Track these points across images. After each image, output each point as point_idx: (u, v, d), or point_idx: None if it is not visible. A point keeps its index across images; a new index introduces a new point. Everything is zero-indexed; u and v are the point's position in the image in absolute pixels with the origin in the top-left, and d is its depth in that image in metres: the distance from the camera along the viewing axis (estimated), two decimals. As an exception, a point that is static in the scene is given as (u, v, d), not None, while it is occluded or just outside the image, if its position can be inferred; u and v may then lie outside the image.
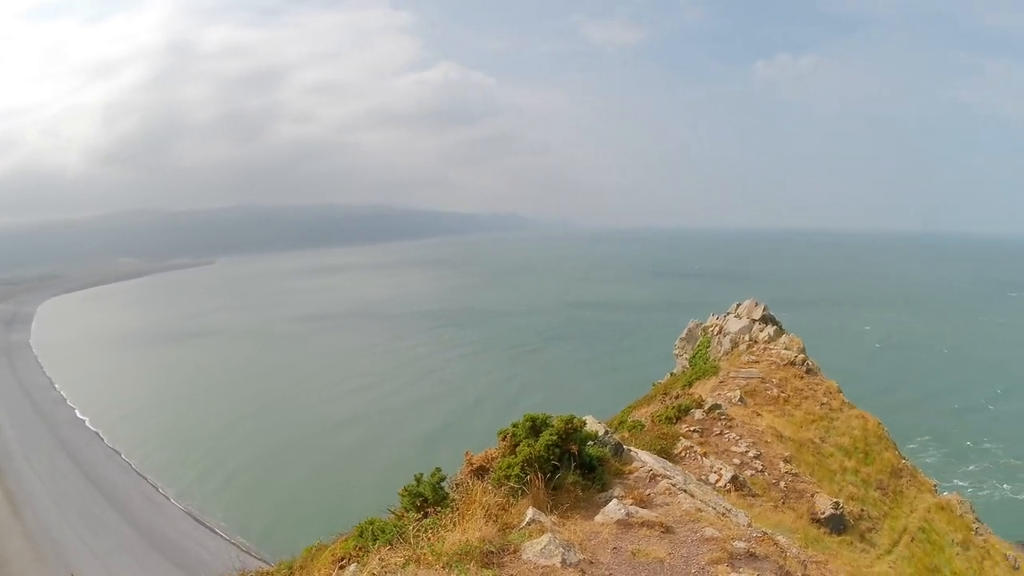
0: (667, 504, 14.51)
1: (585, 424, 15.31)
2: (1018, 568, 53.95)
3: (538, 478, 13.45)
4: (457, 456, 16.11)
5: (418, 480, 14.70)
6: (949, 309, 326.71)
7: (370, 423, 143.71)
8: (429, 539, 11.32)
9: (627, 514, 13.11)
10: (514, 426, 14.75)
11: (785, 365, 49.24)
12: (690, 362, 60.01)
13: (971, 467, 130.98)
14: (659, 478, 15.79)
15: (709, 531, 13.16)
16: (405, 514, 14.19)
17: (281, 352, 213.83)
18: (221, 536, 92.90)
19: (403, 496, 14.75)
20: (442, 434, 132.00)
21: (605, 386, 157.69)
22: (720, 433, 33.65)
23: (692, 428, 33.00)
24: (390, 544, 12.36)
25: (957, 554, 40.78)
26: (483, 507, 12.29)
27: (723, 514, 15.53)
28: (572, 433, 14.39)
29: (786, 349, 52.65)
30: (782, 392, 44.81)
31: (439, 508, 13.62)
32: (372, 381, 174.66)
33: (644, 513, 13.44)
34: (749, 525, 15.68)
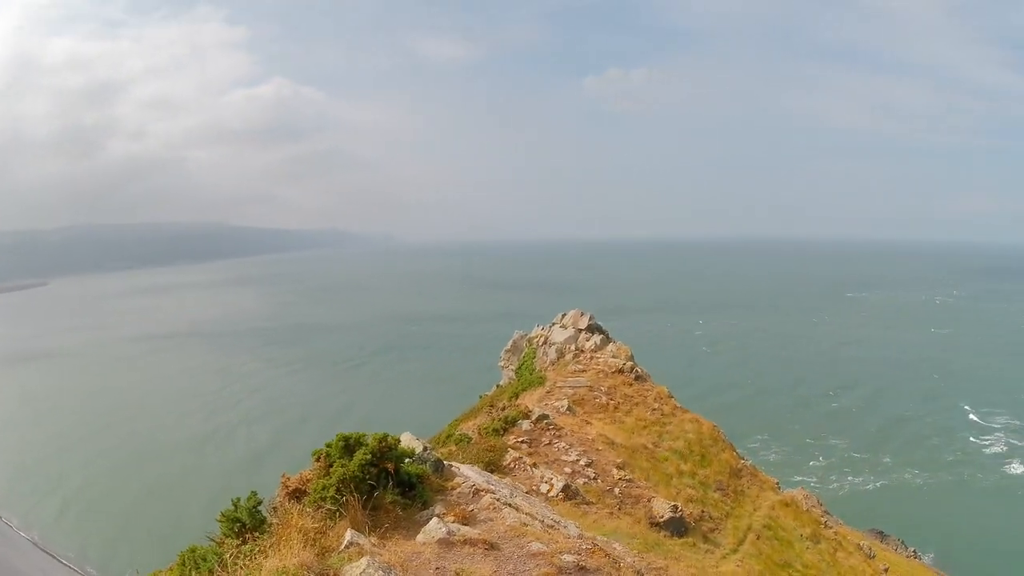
0: (491, 520, 14.84)
1: (400, 441, 15.71)
2: (873, 556, 58.25)
3: (355, 499, 13.64)
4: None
5: (236, 505, 14.69)
6: (785, 310, 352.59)
7: (201, 443, 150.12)
8: (247, 566, 11.49)
9: (449, 532, 13.34)
10: (328, 446, 15.02)
11: (613, 373, 51.50)
12: (516, 373, 61.66)
13: (816, 462, 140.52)
14: (483, 493, 16.13)
15: (536, 546, 13.57)
16: (225, 541, 14.19)
17: (114, 374, 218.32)
18: (69, 567, 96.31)
19: (222, 522, 14.73)
20: (268, 454, 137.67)
21: (433, 399, 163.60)
22: (550, 443, 35.01)
23: (520, 439, 34.24)
24: (211, 573, 12.50)
25: (807, 548, 43.74)
26: (301, 531, 12.40)
27: (551, 526, 16.05)
28: (387, 451, 14.69)
29: (614, 357, 55.03)
30: (611, 400, 46.84)
31: (258, 533, 13.71)
32: (204, 401, 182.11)
33: (467, 530, 13.73)
34: (580, 536, 16.19)
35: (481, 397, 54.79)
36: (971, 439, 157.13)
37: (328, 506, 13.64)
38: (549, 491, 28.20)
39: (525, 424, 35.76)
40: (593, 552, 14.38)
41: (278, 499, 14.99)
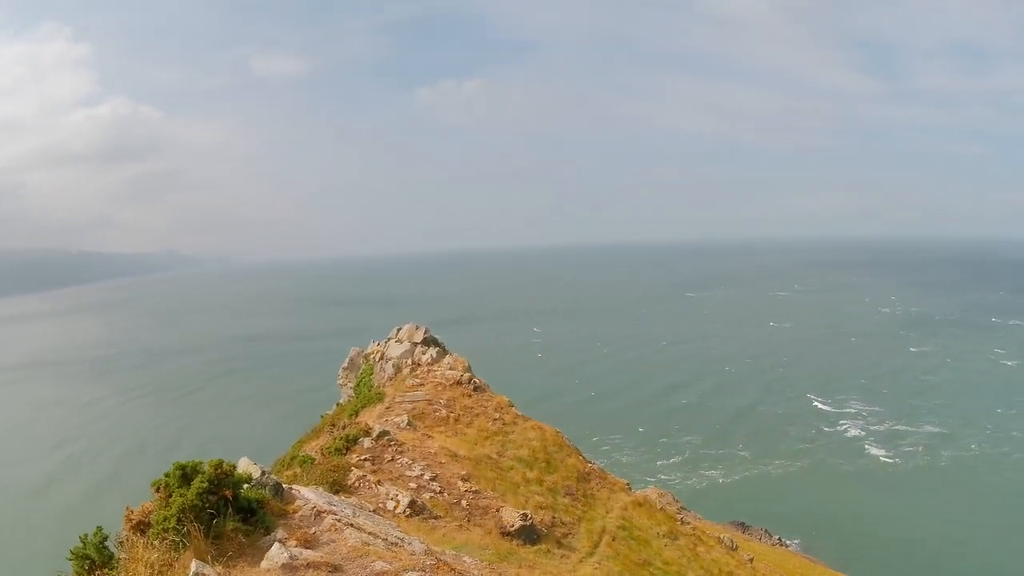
0: (334, 541, 15.76)
1: (236, 467, 16.54)
2: (736, 548, 62.03)
3: (196, 528, 14.33)
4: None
5: (84, 541, 15.33)
6: (626, 314, 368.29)
7: (46, 479, 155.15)
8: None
9: (291, 557, 14.18)
10: (166, 476, 15.78)
11: (452, 385, 53.43)
12: (355, 390, 62.89)
13: (671, 460, 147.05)
14: (324, 514, 17.08)
15: (379, 565, 14.67)
16: (76, 579, 14.61)
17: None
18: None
19: (72, 560, 15.35)
20: (114, 485, 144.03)
21: (274, 420, 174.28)
22: (392, 459, 36.55)
23: (363, 457, 35.63)
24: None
25: (666, 545, 46.64)
26: (147, 565, 13.22)
27: (395, 544, 17.07)
28: (224, 478, 15.49)
29: (451, 369, 56.97)
30: (452, 412, 48.72)
31: (108, 569, 14.44)
32: (45, 435, 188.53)
33: (309, 554, 14.60)
34: (425, 552, 17.39)
35: (322, 417, 55.80)
36: (824, 428, 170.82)
37: (171, 537, 14.30)
38: (396, 508, 29.64)
39: (367, 442, 37.07)
40: (437, 568, 15.65)
41: (124, 533, 15.51)
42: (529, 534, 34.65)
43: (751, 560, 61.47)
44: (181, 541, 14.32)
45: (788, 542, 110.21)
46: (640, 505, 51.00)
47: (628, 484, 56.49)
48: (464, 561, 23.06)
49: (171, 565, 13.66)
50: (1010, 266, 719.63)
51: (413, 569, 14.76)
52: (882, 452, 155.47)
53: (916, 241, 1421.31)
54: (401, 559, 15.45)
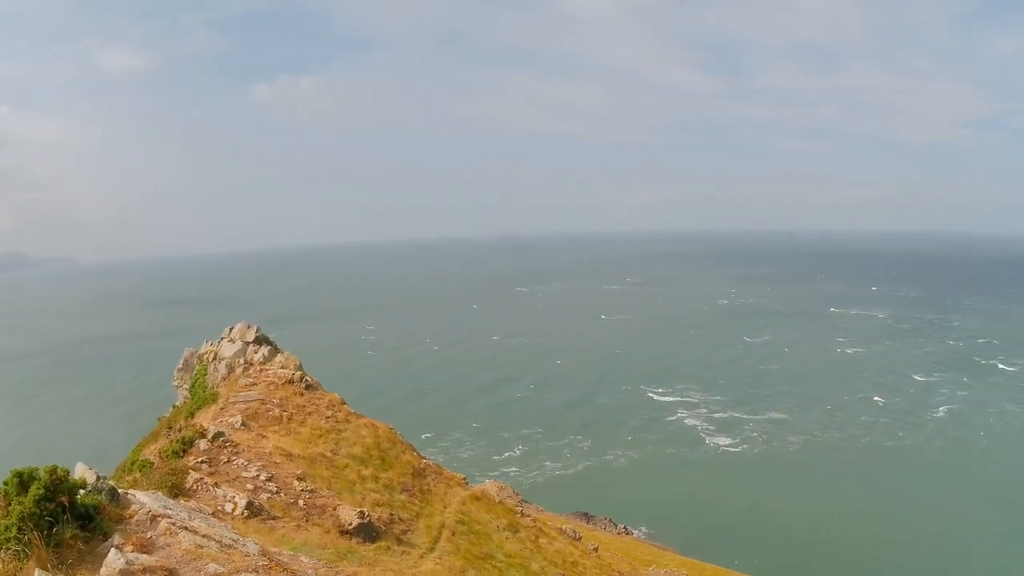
0: (169, 545, 16.38)
1: (69, 473, 16.78)
2: (579, 538, 64.46)
3: (37, 537, 14.66)
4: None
5: None
6: (456, 308, 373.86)
7: None
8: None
9: (128, 562, 14.59)
10: (4, 484, 16.09)
11: (284, 384, 54.07)
12: (190, 392, 62.76)
13: (512, 453, 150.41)
14: (160, 518, 17.63)
15: (213, 567, 15.37)
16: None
17: None
18: None
19: None
20: None
21: (114, 423, 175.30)
22: (228, 461, 37.09)
23: (200, 460, 36.01)
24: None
25: (507, 538, 48.49)
26: None
27: (229, 546, 17.73)
28: (59, 484, 15.81)
29: (283, 368, 57.61)
30: (284, 411, 49.43)
31: None
32: None
33: (145, 559, 15.08)
34: (259, 553, 18.10)
35: (159, 419, 55.71)
36: (666, 417, 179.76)
37: (13, 547, 14.61)
38: (234, 510, 30.23)
39: (202, 444, 37.31)
40: (270, 568, 16.49)
41: (-31, 545, 15.37)
42: (368, 532, 35.65)
43: (595, 549, 63.95)
44: (23, 550, 14.62)
45: (634, 530, 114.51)
46: (478, 499, 52.64)
47: (465, 479, 58.07)
48: (301, 561, 23.86)
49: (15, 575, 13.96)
50: (850, 258, 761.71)
51: (246, 570, 15.47)
52: (723, 440, 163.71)
53: (754, 234, 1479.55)
54: (235, 561, 16.15)
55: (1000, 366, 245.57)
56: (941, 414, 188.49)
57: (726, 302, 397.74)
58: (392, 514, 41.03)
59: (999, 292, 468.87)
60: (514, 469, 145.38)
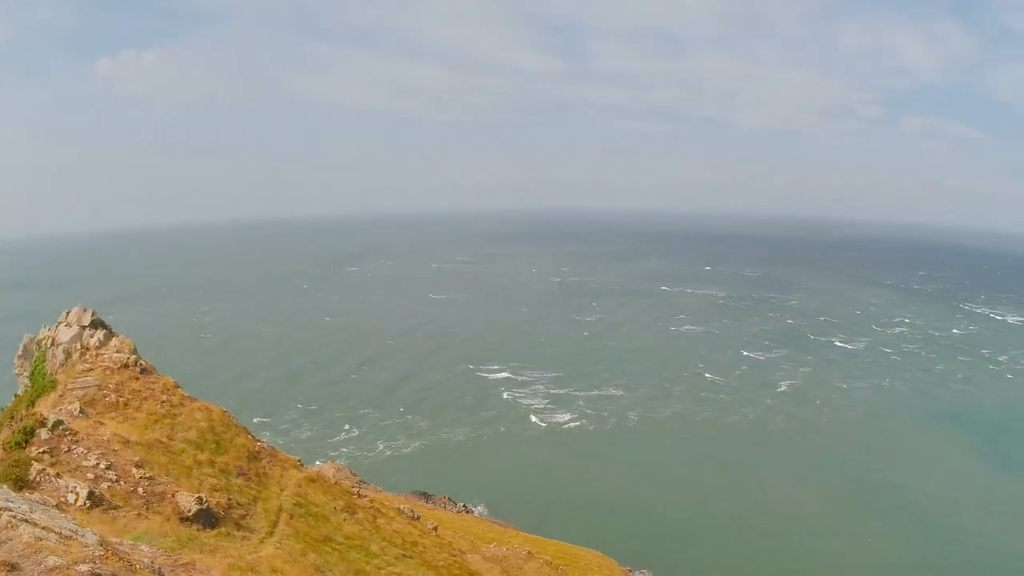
0: (10, 539, 16.34)
1: None
2: (418, 518, 65.73)
3: None
4: None
5: None
6: (283, 288, 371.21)
7: None
8: None
9: None
10: None
11: (119, 368, 53.37)
12: (30, 379, 61.38)
13: (348, 434, 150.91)
14: (1, 512, 17.69)
15: (52, 559, 15.42)
16: None
17: None
18: None
19: None
20: None
21: None
22: (69, 450, 36.78)
23: (42, 450, 35.71)
24: None
25: (345, 520, 49.47)
26: None
27: (68, 537, 17.80)
28: None
29: (118, 352, 56.83)
30: (120, 397, 48.93)
31: None
32: None
33: None
34: (99, 543, 18.30)
35: (2, 410, 54.43)
36: (502, 395, 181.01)
37: None
38: (76, 500, 30.22)
39: (43, 433, 36.77)
40: (106, 558, 16.75)
41: None
42: (207, 518, 36.05)
43: (435, 528, 65.44)
44: None
45: (474, 508, 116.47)
46: (314, 481, 53.36)
47: (300, 461, 58.58)
48: (141, 550, 24.32)
49: None
50: (686, 239, 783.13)
51: (84, 561, 15.72)
52: (560, 416, 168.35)
53: (590, 214, 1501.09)
54: (73, 552, 16.35)
55: (837, 343, 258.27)
56: (783, 389, 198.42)
57: (558, 280, 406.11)
58: (230, 499, 41.45)
59: (841, 273, 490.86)
60: (350, 449, 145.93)
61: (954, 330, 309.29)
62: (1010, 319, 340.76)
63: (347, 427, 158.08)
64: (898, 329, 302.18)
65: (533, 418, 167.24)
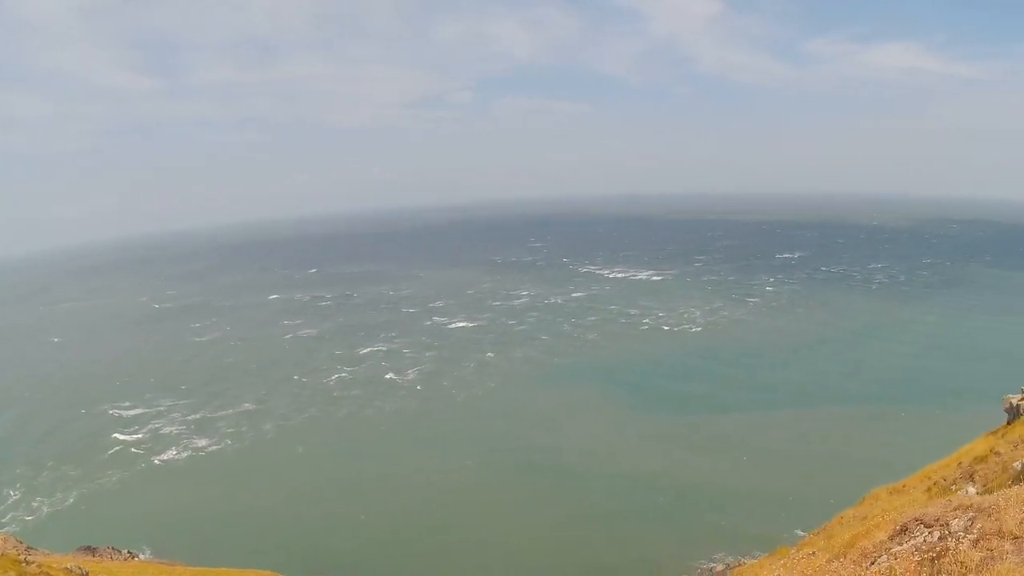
0: None
1: None
2: (86, 574, 64.42)
3: None
4: None
5: None
6: None
7: None
8: None
9: None
10: None
11: None
12: None
13: (9, 499, 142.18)
14: None
15: None
16: None
17: None
18: None
19: None
20: None
21: None
22: None
23: None
24: None
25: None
26: None
27: None
28: None
29: None
30: None
31: None
32: None
33: None
34: None
35: None
36: (140, 432, 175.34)
37: None
38: None
39: None
40: None
41: None
42: None
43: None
44: None
45: (139, 553, 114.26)
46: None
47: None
48: None
49: None
50: (286, 245, 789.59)
51: None
52: (202, 441, 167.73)
53: (193, 233, 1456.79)
54: None
55: (459, 324, 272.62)
56: (411, 377, 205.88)
57: (169, 305, 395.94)
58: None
59: (452, 257, 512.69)
60: (17, 514, 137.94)
61: (574, 292, 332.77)
62: (610, 275, 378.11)
63: (5, 491, 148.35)
64: (518, 301, 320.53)
65: (169, 447, 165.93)
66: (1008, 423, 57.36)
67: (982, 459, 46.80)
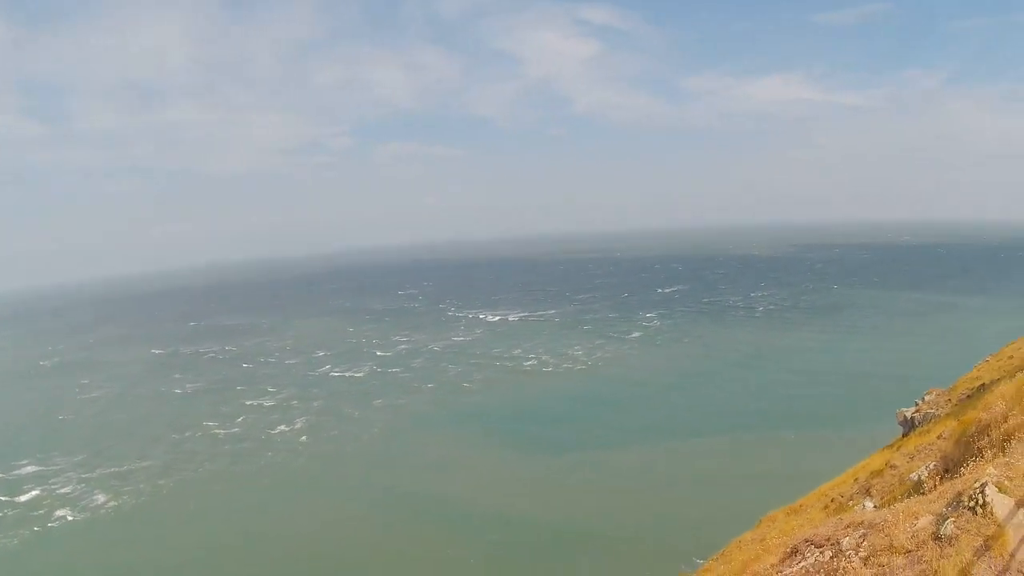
0: None
1: None
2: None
3: None
4: None
5: None
6: None
7: None
8: None
9: None
10: None
11: None
12: None
13: None
14: None
15: None
16: None
17: None
18: None
19: None
20: None
21: None
22: None
23: None
24: None
25: None
26: None
27: None
28: None
29: None
30: None
31: None
32: None
33: None
34: None
35: None
36: (9, 498, 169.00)
37: None
38: None
39: None
40: None
41: None
42: None
43: None
44: None
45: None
46: None
47: None
48: None
49: None
50: (159, 297, 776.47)
51: None
52: (73, 507, 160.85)
53: (63, 286, 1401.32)
54: None
55: (344, 374, 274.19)
56: (299, 426, 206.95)
57: (57, 359, 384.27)
58: None
59: (331, 306, 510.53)
60: None
61: (455, 337, 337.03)
62: (490, 318, 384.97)
63: None
64: (400, 348, 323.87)
65: (46, 513, 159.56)
66: (903, 436, 62.07)
67: (878, 473, 48.93)
